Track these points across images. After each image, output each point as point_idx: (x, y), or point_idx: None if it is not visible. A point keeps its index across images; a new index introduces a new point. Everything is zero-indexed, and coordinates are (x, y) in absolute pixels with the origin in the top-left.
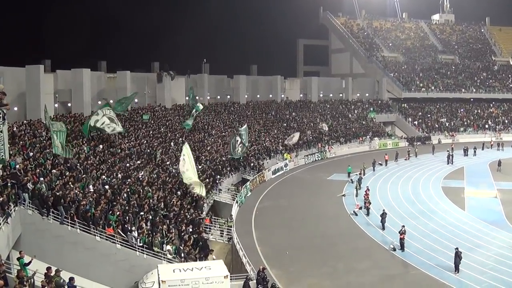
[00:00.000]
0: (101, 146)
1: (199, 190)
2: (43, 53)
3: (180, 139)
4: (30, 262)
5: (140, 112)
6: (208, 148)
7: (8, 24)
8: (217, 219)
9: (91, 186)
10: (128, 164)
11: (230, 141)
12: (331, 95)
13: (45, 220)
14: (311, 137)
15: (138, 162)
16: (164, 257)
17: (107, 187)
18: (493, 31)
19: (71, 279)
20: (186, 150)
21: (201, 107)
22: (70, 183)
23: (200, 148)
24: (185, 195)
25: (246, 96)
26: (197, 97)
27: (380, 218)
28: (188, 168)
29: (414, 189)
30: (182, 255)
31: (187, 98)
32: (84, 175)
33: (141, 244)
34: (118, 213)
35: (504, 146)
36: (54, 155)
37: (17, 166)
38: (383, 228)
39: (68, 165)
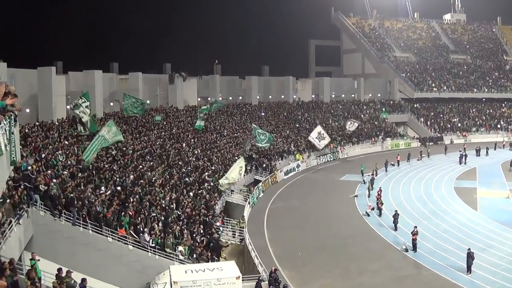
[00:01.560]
0: (113, 147)
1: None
2: (55, 54)
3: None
4: (33, 264)
5: (152, 113)
6: (221, 149)
7: (20, 26)
8: (230, 220)
9: (103, 188)
10: (140, 166)
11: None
12: (343, 95)
13: (57, 222)
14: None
15: (151, 163)
16: (176, 258)
17: (119, 188)
18: (504, 31)
19: (83, 280)
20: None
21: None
22: (82, 184)
23: (213, 148)
24: (197, 196)
25: (258, 97)
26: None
27: (393, 218)
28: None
29: (426, 190)
30: (195, 256)
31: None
32: (96, 177)
33: (153, 245)
34: (130, 214)
35: None
36: (67, 156)
37: (29, 168)
38: (395, 229)
39: (80, 166)
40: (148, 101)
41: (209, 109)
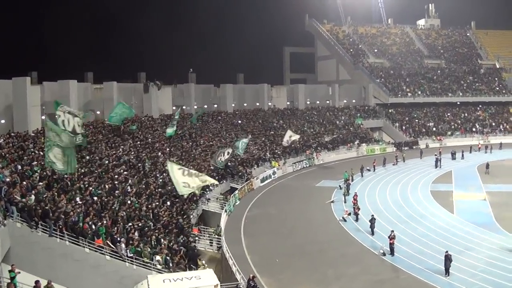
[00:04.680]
0: (87, 157)
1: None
2: (30, 65)
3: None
4: (14, 276)
5: (127, 122)
6: (197, 158)
7: None
8: (206, 229)
9: (78, 199)
10: (116, 176)
11: (219, 151)
12: (318, 102)
13: (34, 233)
14: (298, 145)
15: (125, 172)
16: (153, 268)
17: (95, 198)
18: (479, 35)
19: None
20: (171, 167)
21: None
22: (57, 195)
23: (188, 157)
24: (174, 204)
25: (233, 105)
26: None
27: (369, 223)
28: (185, 180)
29: (402, 194)
30: (171, 265)
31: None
32: (71, 187)
33: (131, 255)
34: (106, 223)
35: (492, 149)
36: (43, 168)
37: (6, 179)
38: (373, 233)
39: (55, 177)
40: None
41: (192, 120)
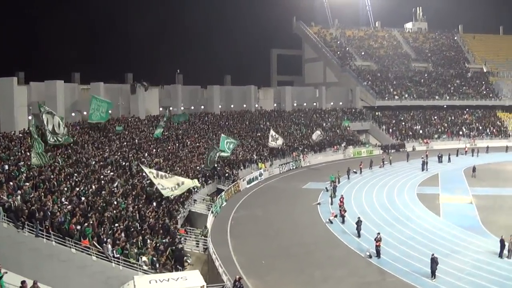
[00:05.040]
0: (74, 158)
1: (189, 184)
2: (17, 65)
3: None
4: (1, 277)
5: (114, 123)
6: (183, 159)
7: None
8: (193, 230)
9: (63, 199)
10: (102, 176)
11: (209, 153)
12: (305, 104)
13: (21, 233)
14: (285, 146)
15: (111, 173)
16: (140, 269)
17: (82, 198)
18: (466, 39)
19: None
20: (146, 169)
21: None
22: (43, 195)
23: (175, 158)
24: (160, 205)
25: (220, 106)
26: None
27: (356, 225)
28: (162, 182)
29: (389, 197)
30: (157, 265)
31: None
32: (58, 188)
33: (117, 256)
34: (93, 224)
35: (478, 152)
36: (29, 168)
37: None
38: (359, 236)
39: (42, 177)
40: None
41: (174, 119)
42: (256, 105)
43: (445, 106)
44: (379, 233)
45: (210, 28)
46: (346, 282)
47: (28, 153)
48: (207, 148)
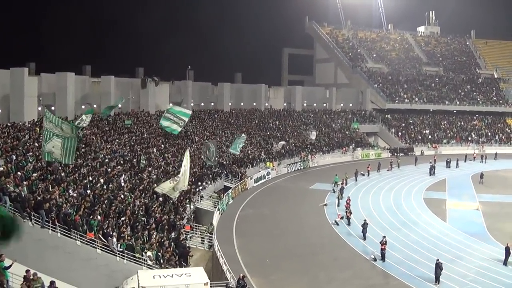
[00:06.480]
0: (83, 150)
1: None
2: (28, 55)
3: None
4: (10, 266)
5: (123, 117)
6: (191, 155)
7: None
8: (198, 226)
9: (71, 191)
10: (109, 169)
11: (210, 148)
12: (315, 104)
13: (26, 224)
14: (294, 146)
15: (119, 167)
16: (144, 263)
17: (89, 191)
18: (478, 44)
19: (52, 282)
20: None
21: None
22: (51, 187)
23: (183, 154)
24: (166, 201)
25: (230, 104)
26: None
27: (361, 228)
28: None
29: (395, 200)
30: (162, 261)
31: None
32: (65, 179)
33: (121, 249)
34: (99, 217)
35: (487, 158)
36: (37, 159)
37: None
38: (364, 238)
39: (50, 168)
40: (119, 105)
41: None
42: (266, 104)
43: (454, 111)
44: (384, 236)
45: (222, 25)
46: (350, 284)
47: (36, 144)
48: (202, 144)
